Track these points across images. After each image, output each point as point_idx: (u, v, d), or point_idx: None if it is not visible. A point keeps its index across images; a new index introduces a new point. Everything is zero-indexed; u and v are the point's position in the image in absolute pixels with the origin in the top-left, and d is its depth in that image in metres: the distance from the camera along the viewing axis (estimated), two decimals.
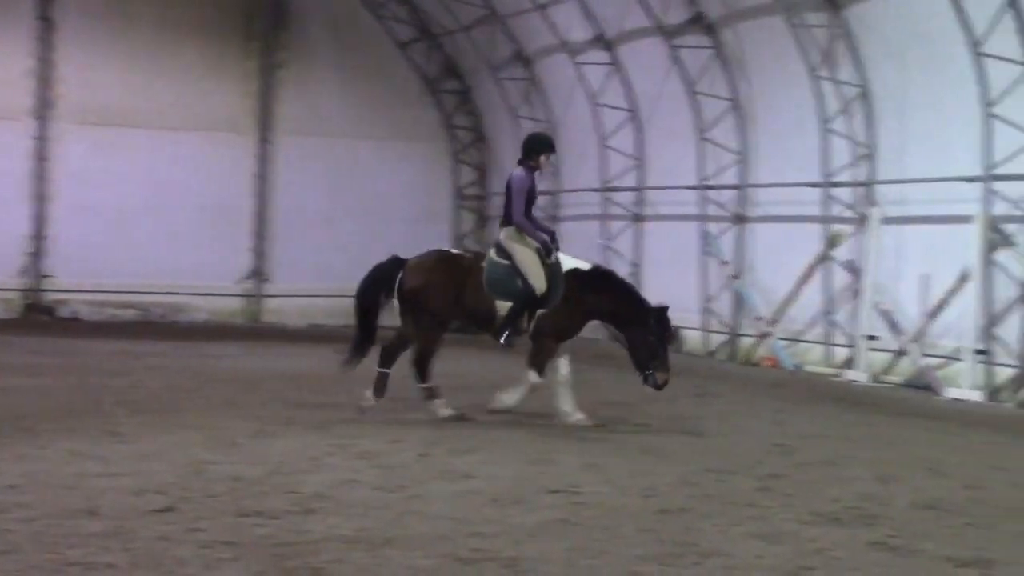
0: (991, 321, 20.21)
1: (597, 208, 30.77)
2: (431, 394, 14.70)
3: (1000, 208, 20.18)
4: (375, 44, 34.39)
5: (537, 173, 14.82)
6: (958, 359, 20.32)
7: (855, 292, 23.11)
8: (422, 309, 14.62)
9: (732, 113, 26.15)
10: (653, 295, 27.86)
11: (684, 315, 25.80)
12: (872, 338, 22.15)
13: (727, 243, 26.57)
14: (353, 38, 34.31)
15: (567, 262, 14.60)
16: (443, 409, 14.56)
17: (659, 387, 14.42)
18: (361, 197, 33.94)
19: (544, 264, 14.35)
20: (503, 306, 14.35)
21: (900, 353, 21.91)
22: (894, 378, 21.77)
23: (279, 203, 33.76)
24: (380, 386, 14.69)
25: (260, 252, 33.73)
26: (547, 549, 8.20)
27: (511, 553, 7.99)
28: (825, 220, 24.01)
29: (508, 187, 14.60)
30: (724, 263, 26.47)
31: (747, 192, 26.21)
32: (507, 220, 14.54)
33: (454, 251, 15.49)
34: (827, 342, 23.90)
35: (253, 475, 10.60)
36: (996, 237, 20.04)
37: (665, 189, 28.38)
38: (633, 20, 27.56)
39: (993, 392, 19.81)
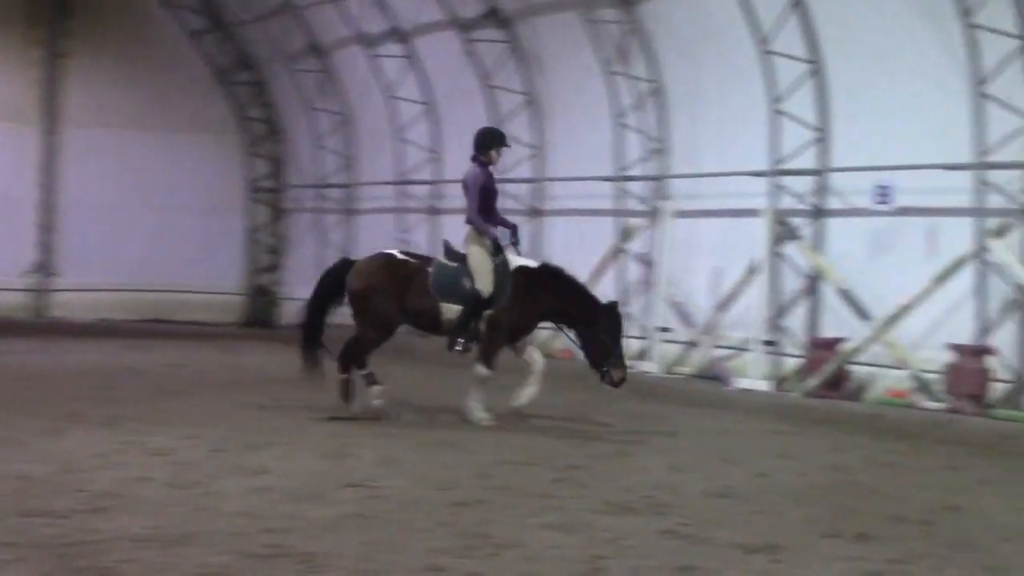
0: (778, 312, 20.75)
1: (393, 201, 30.69)
2: (371, 379, 14.60)
3: (787, 202, 20.73)
4: (165, 34, 33.72)
5: (492, 168, 14.83)
6: (747, 350, 20.79)
7: (648, 285, 23.48)
8: (365, 312, 14.57)
9: (527, 107, 26.35)
10: None
11: None
12: (665, 330, 22.52)
13: (524, 236, 26.69)
14: (142, 27, 33.53)
15: (515, 260, 14.51)
16: (379, 400, 14.50)
17: (616, 384, 14.36)
18: (152, 190, 33.26)
19: (493, 264, 14.28)
20: (449, 309, 14.26)
21: (692, 344, 22.33)
22: (686, 369, 22.18)
23: (67, 196, 32.88)
24: (346, 391, 14.60)
25: (47, 246, 32.82)
26: (343, 543, 8.14)
27: (306, 548, 7.92)
28: (619, 214, 24.32)
29: (464, 185, 14.69)
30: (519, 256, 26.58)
31: (542, 186, 26.44)
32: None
33: (400, 255, 15.11)
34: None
35: (40, 474, 10.29)
36: (783, 230, 20.56)
37: (460, 182, 28.37)
38: (428, 13, 27.59)
39: (780, 382, 20.34)
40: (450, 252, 14.53)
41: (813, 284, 20.59)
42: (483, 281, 14.16)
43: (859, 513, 10.16)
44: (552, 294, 14.45)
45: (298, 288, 33.52)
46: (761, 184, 21.02)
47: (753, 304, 20.73)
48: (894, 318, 18.47)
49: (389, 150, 30.56)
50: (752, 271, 20.70)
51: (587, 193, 24.82)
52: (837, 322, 19.88)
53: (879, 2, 19.15)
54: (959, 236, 18.07)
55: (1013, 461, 13.47)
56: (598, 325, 14.23)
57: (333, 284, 14.90)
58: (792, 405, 18.27)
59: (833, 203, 20.41)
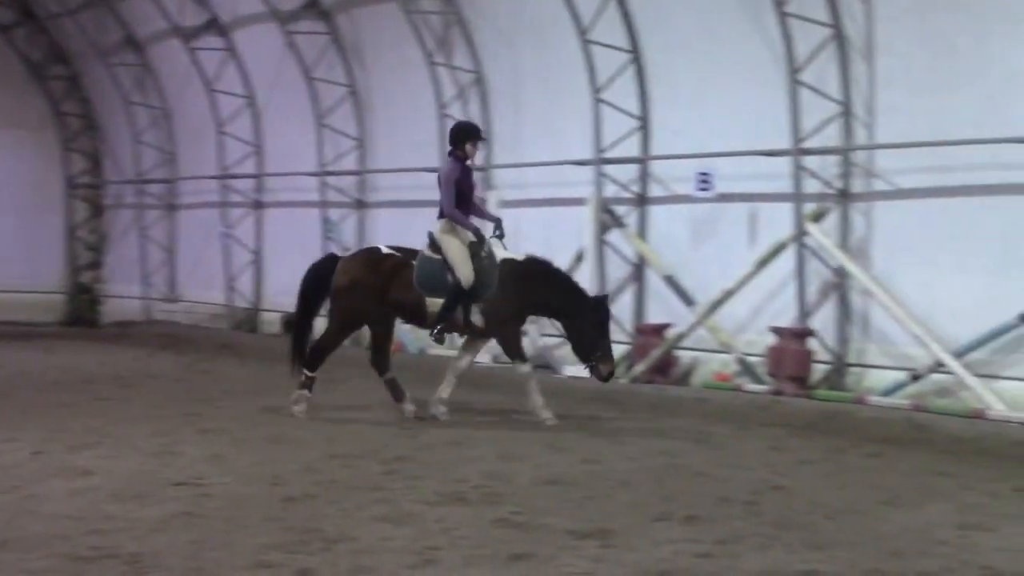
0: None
1: (216, 195, 30.32)
2: (306, 384, 14.44)
3: (610, 190, 20.92)
4: None
5: (469, 162, 14.48)
6: None
7: None
8: (344, 304, 14.44)
9: (350, 99, 26.23)
10: (275, 282, 27.97)
11: None
12: None
13: (348, 229, 26.63)
14: None
15: (500, 252, 14.22)
16: (298, 405, 14.33)
17: (604, 379, 14.21)
18: None
19: (476, 256, 14.00)
20: (433, 302, 14.03)
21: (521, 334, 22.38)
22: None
23: None
24: (397, 392, 14.77)
25: None
26: (170, 543, 8.01)
27: (133, 549, 7.77)
28: None
29: (438, 180, 14.39)
30: (346, 249, 26.47)
31: (367, 178, 26.35)
32: (441, 213, 14.25)
33: (385, 249, 14.69)
34: None
35: None
36: (607, 218, 20.74)
37: (285, 176, 28.22)
38: (247, 5, 27.31)
39: None
40: (435, 244, 14.22)
41: (638, 271, 20.83)
42: (463, 271, 13.93)
43: (687, 496, 10.27)
44: (539, 286, 14.26)
45: (120, 285, 33.06)
46: (585, 173, 21.19)
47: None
48: (718, 303, 18.77)
49: (211, 144, 30.17)
50: (578, 259, 20.84)
51: (412, 184, 24.76)
52: (662, 308, 20.15)
53: None
54: (779, 221, 18.42)
55: (834, 441, 13.73)
56: (585, 318, 14.03)
57: (320, 280, 14.71)
58: (620, 391, 18.40)
59: (656, 191, 20.68)
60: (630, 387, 19.00)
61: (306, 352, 14.63)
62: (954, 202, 16.53)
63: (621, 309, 20.85)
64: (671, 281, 19.73)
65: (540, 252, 22.02)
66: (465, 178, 14.27)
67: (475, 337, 14.53)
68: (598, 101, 20.84)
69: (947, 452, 13.05)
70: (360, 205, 26.52)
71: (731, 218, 19.33)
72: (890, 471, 11.81)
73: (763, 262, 18.34)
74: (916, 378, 16.69)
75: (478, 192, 15.94)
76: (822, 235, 17.83)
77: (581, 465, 11.67)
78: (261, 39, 27.62)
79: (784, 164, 18.25)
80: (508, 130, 23.19)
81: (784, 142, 18.14)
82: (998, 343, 15.93)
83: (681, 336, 19.37)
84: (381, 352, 14.82)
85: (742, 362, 18.57)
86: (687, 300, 19.39)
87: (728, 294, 18.63)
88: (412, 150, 24.72)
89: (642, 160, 20.72)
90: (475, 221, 14.28)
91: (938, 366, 16.38)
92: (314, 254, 26.77)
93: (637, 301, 20.88)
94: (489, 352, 22.23)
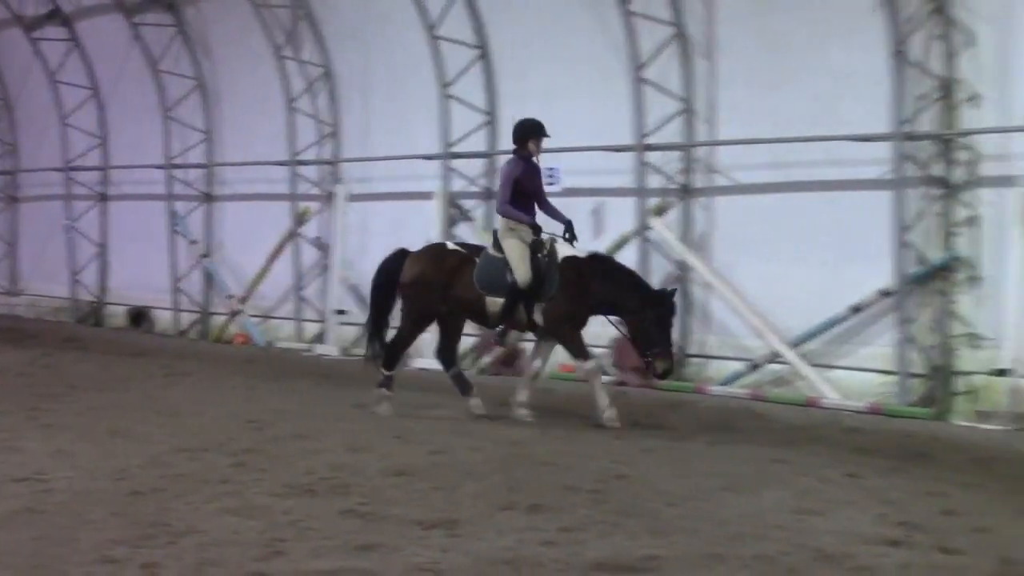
0: None
1: (60, 188, 29.78)
2: (385, 383, 14.33)
3: (458, 184, 20.97)
4: None
5: (535, 159, 14.11)
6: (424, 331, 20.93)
7: (324, 268, 23.43)
8: (411, 301, 14.16)
9: (197, 92, 25.93)
10: (121, 275, 27.57)
11: (154, 295, 25.58)
12: (341, 312, 22.52)
13: (196, 222, 26.34)
14: None
15: (563, 251, 13.66)
16: (381, 405, 14.23)
17: (660, 376, 13.65)
18: None
19: (536, 255, 13.56)
20: (493, 302, 13.63)
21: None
22: (363, 351, 22.20)
23: None
24: (464, 386, 14.46)
25: None
26: (12, 540, 7.83)
27: None
28: (293, 198, 24.21)
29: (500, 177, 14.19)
30: (193, 242, 26.23)
31: (214, 171, 26.09)
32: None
33: (451, 245, 14.46)
34: (298, 318, 24.13)
35: None
36: (455, 212, 20.79)
37: (131, 168, 27.81)
38: None
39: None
40: (498, 243, 13.79)
41: None
42: (520, 271, 13.44)
43: (532, 485, 10.31)
44: (601, 283, 13.59)
45: None
46: (433, 167, 21.21)
47: None
48: None
49: (54, 136, 29.61)
50: None
51: (261, 177, 24.61)
52: None
53: None
54: (623, 215, 18.64)
55: (675, 430, 13.91)
56: (646, 314, 13.31)
57: (390, 275, 14.45)
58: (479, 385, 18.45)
59: None
60: (477, 379, 19.04)
61: (380, 344, 14.57)
62: (791, 197, 16.87)
63: None
64: None
65: (389, 245, 22.29)
66: (528, 176, 13.89)
67: (543, 338, 14.03)
68: (446, 96, 20.87)
69: (783, 439, 13.27)
70: (208, 198, 26.25)
71: (577, 212, 19.42)
72: (729, 458, 11.96)
73: (609, 254, 18.53)
74: (754, 368, 17.01)
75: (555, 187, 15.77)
76: (665, 229, 18.08)
77: (428, 456, 11.66)
78: (106, 30, 27.20)
79: (628, 160, 18.47)
80: (356, 124, 23.15)
81: (628, 138, 18.35)
82: (831, 334, 16.30)
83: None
84: (448, 348, 14.59)
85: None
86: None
87: None
88: (261, 143, 24.57)
89: (489, 155, 20.81)
90: (544, 221, 13.98)
91: (775, 356, 16.72)
92: (160, 247, 26.64)
93: None
94: (338, 344, 22.22)
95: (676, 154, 18.19)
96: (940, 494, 10.30)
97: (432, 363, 19.92)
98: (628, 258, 18.40)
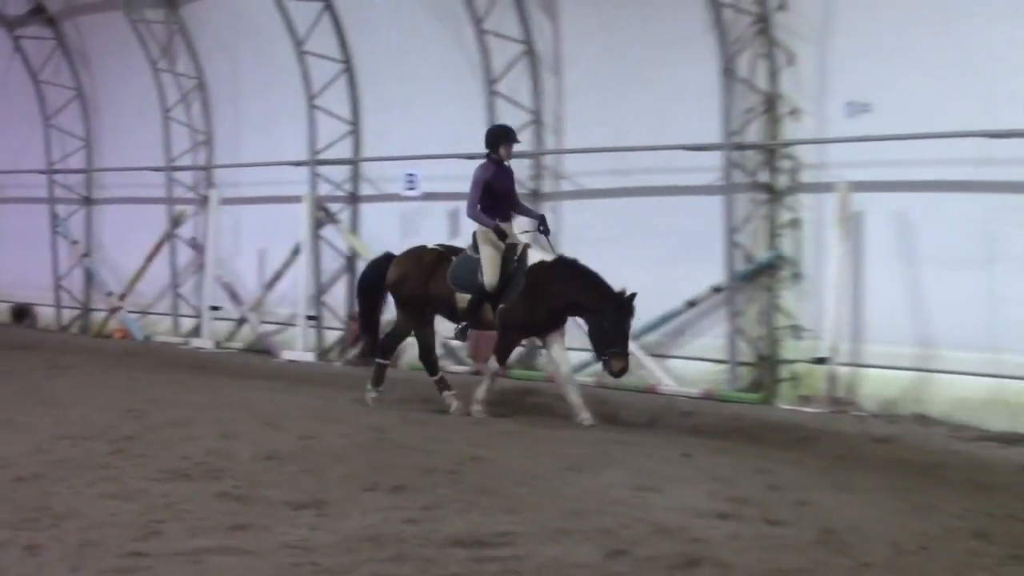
0: (320, 290, 20.85)
1: None
2: (442, 386, 13.90)
3: (324, 189, 20.84)
4: None
5: (507, 164, 13.61)
6: (292, 324, 20.80)
7: (199, 267, 23.18)
8: (398, 297, 13.83)
9: (77, 101, 25.45)
10: (5, 274, 26.92)
11: (37, 293, 25.07)
12: (216, 308, 22.30)
13: (77, 224, 25.86)
14: None
15: (533, 256, 13.24)
16: (452, 401, 13.73)
17: (615, 374, 12.98)
18: None
19: (508, 260, 13.16)
20: (462, 298, 13.28)
21: (241, 321, 22.18)
22: (236, 344, 22.00)
23: None
24: (378, 376, 14.10)
25: None
26: None
27: None
28: (169, 201, 23.91)
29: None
30: (74, 243, 25.76)
31: (94, 176, 25.63)
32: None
33: (431, 246, 14.05)
34: (174, 313, 23.85)
35: None
36: (322, 215, 20.65)
37: (13, 173, 27.16)
38: None
39: (323, 353, 20.46)
40: (475, 245, 13.44)
41: (351, 263, 20.80)
42: (488, 274, 13.08)
43: (395, 467, 10.29)
44: (565, 286, 13.07)
45: None
46: (301, 173, 21.06)
47: (297, 283, 20.76)
48: None
49: None
50: (295, 253, 20.72)
51: (138, 182, 24.24)
52: None
53: (402, 7, 19.49)
54: None
55: (528, 415, 13.94)
56: (605, 315, 12.78)
57: (375, 278, 14.15)
58: (335, 373, 18.36)
59: (367, 190, 20.70)
60: (344, 369, 18.96)
61: (373, 341, 14.36)
62: (631, 201, 17.01)
63: (335, 298, 20.85)
64: None
65: (259, 246, 22.14)
66: (499, 180, 13.42)
67: (551, 342, 13.45)
68: (312, 107, 20.72)
69: (624, 423, 13.40)
70: (88, 201, 25.80)
71: (435, 215, 19.46)
72: (575, 441, 12.01)
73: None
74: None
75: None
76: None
77: (297, 441, 11.57)
78: None
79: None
80: (228, 133, 22.92)
81: (482, 146, 18.32)
82: (668, 327, 16.47)
83: (390, 323, 19.39)
84: (395, 340, 14.48)
85: (445, 346, 18.72)
86: None
87: None
88: (138, 150, 24.23)
89: (354, 162, 20.71)
90: (521, 220, 13.84)
91: None
92: (43, 247, 26.09)
93: (350, 291, 20.83)
94: (213, 338, 21.95)
95: (526, 161, 18.23)
96: (766, 471, 10.45)
97: (302, 355, 19.90)
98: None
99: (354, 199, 20.79)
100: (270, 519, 8.28)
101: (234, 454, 10.82)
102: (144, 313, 24.41)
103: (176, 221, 23.73)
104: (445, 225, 19.29)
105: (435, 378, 14.02)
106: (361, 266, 20.36)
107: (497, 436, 12.27)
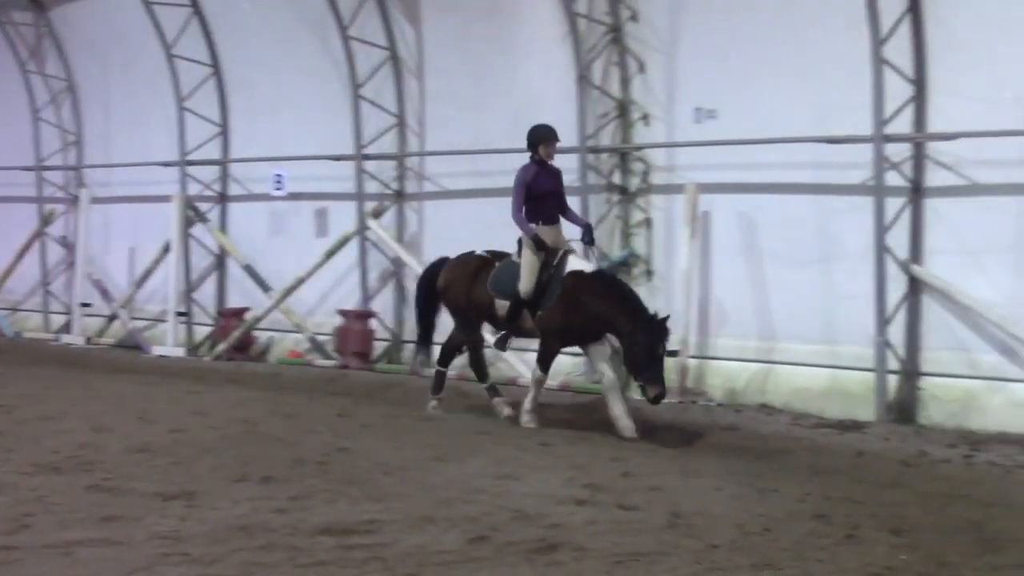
0: (190, 287, 20.53)
1: None
2: (492, 392, 13.16)
3: (194, 189, 20.53)
4: None
5: (550, 163, 12.38)
6: (163, 320, 20.44)
7: (69, 265, 22.68)
8: (448, 304, 13.07)
9: None
10: None
11: None
12: (86, 305, 21.82)
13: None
14: None
15: (571, 264, 12.05)
16: (503, 408, 12.85)
17: (651, 401, 11.62)
18: None
19: (546, 266, 12.04)
20: (502, 305, 12.34)
21: (112, 318, 21.75)
22: (107, 340, 21.56)
23: None
24: (438, 384, 13.30)
25: None
26: None
27: None
28: (40, 200, 23.36)
29: None
30: None
31: None
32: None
33: (480, 252, 13.01)
34: (45, 310, 23.33)
35: None
36: (192, 214, 20.33)
37: None
38: None
39: (192, 348, 20.15)
40: (520, 251, 12.35)
41: (220, 261, 20.55)
42: (524, 280, 12.01)
43: (264, 459, 10.17)
44: (596, 300, 11.81)
45: None
46: (171, 173, 20.72)
47: (167, 280, 20.41)
48: (291, 289, 18.71)
49: None
50: (165, 251, 20.38)
51: (9, 182, 23.66)
52: (242, 294, 19.96)
53: (270, 13, 19.28)
54: (344, 217, 18.54)
55: (392, 408, 13.88)
56: (635, 338, 11.48)
57: (428, 282, 13.38)
58: (205, 368, 18.11)
59: (235, 189, 20.44)
60: (214, 364, 18.70)
61: (428, 347, 13.66)
62: (491, 202, 16.94)
63: (205, 295, 20.58)
64: (249, 270, 19.54)
65: (130, 244, 21.72)
66: (539, 181, 12.19)
67: (593, 349, 12.49)
68: (182, 109, 20.38)
69: (486, 414, 13.34)
70: None
71: (303, 215, 19.33)
72: (439, 432, 12.00)
73: (331, 253, 18.41)
74: (462, 352, 17.08)
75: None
76: (381, 229, 18.04)
77: (168, 434, 11.37)
78: None
79: (348, 168, 18.36)
80: (98, 134, 22.49)
81: (348, 148, 18.24)
82: None
83: (259, 318, 19.21)
84: (455, 347, 13.49)
85: (313, 341, 18.58)
86: (264, 286, 19.25)
87: (300, 281, 18.61)
88: (8, 150, 23.75)
89: (222, 162, 20.43)
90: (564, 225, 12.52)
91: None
92: None
93: (219, 287, 20.61)
94: (83, 334, 21.48)
95: (391, 163, 18.17)
96: (620, 459, 10.54)
97: (173, 350, 19.57)
98: (349, 255, 18.37)
99: (223, 199, 20.51)
100: (140, 510, 8.13)
101: (105, 447, 10.60)
102: (14, 310, 23.82)
103: (46, 220, 23.19)
104: (312, 224, 19.15)
105: (485, 386, 13.29)
106: (231, 263, 20.17)
107: (362, 428, 12.20)
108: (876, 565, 7.15)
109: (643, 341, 11.42)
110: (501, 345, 12.88)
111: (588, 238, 12.35)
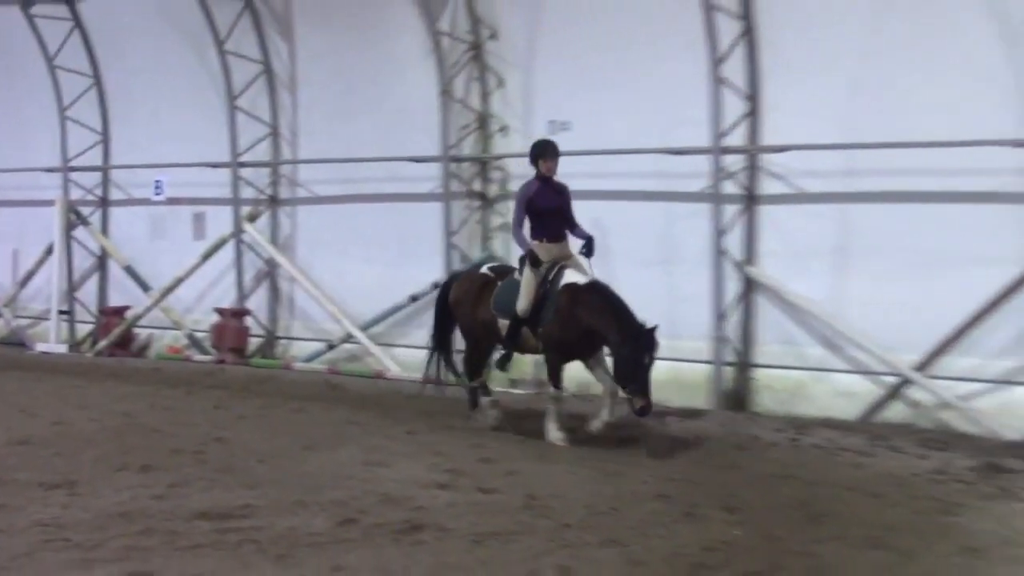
0: (72, 287, 20.11)
1: None
2: (482, 393, 12.07)
3: (76, 194, 20.10)
4: None
5: (554, 179, 11.24)
6: (46, 319, 19.98)
7: None
8: (457, 320, 12.07)
9: None
10: None
11: None
12: None
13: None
14: None
15: (567, 278, 10.92)
16: (490, 414, 11.85)
17: (637, 414, 10.38)
18: None
19: (543, 281, 10.98)
20: (503, 324, 11.32)
21: None
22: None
23: None
24: (474, 399, 12.10)
25: None
26: None
27: None
28: None
29: None
30: None
31: None
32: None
33: (485, 269, 12.04)
34: None
35: None
36: (74, 217, 19.90)
37: None
38: None
39: (74, 345, 19.73)
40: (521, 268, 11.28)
41: (102, 262, 20.15)
42: (523, 298, 10.97)
43: (144, 449, 10.04)
44: (587, 312, 10.73)
45: None
46: (54, 179, 20.26)
47: (50, 280, 19.93)
48: (170, 288, 18.42)
49: None
50: (48, 252, 19.91)
51: None
52: (123, 293, 19.59)
53: (149, 27, 18.93)
54: (221, 221, 18.33)
55: (266, 400, 13.76)
56: (622, 349, 10.42)
57: (441, 298, 12.36)
58: (86, 363, 17.74)
59: (116, 195, 20.05)
60: (95, 359, 18.33)
61: (448, 363, 12.45)
62: (361, 207, 16.98)
63: (87, 294, 20.18)
64: (130, 270, 19.18)
65: (14, 246, 21.14)
66: (541, 198, 11.07)
67: (594, 363, 11.33)
68: (64, 118, 19.94)
69: (355, 406, 13.35)
70: None
71: (181, 218, 19.06)
72: (310, 422, 11.97)
73: (208, 254, 18.17)
74: (331, 347, 17.04)
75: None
76: (256, 232, 17.87)
77: (51, 427, 11.16)
78: None
79: (225, 174, 18.15)
80: None
81: (225, 156, 18.02)
82: (394, 319, 16.49)
83: (139, 316, 18.88)
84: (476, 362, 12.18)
85: (191, 337, 18.32)
86: (144, 286, 18.91)
87: (179, 281, 18.33)
88: None
89: (104, 168, 20.03)
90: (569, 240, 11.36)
91: (348, 337, 16.79)
92: None
93: (100, 287, 20.19)
94: (0, 333, 20.89)
95: (265, 170, 18.00)
96: (480, 445, 10.61)
97: (55, 347, 19.12)
98: (226, 257, 18.17)
99: (104, 203, 20.10)
100: (23, 499, 7.99)
101: None
102: None
103: None
104: (190, 227, 18.91)
105: (474, 383, 12.19)
106: (112, 265, 19.81)
107: (238, 419, 12.12)
108: (712, 540, 7.33)
109: (627, 349, 10.37)
110: (502, 365, 11.91)
111: (587, 250, 11.08)
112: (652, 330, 10.42)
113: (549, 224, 11.15)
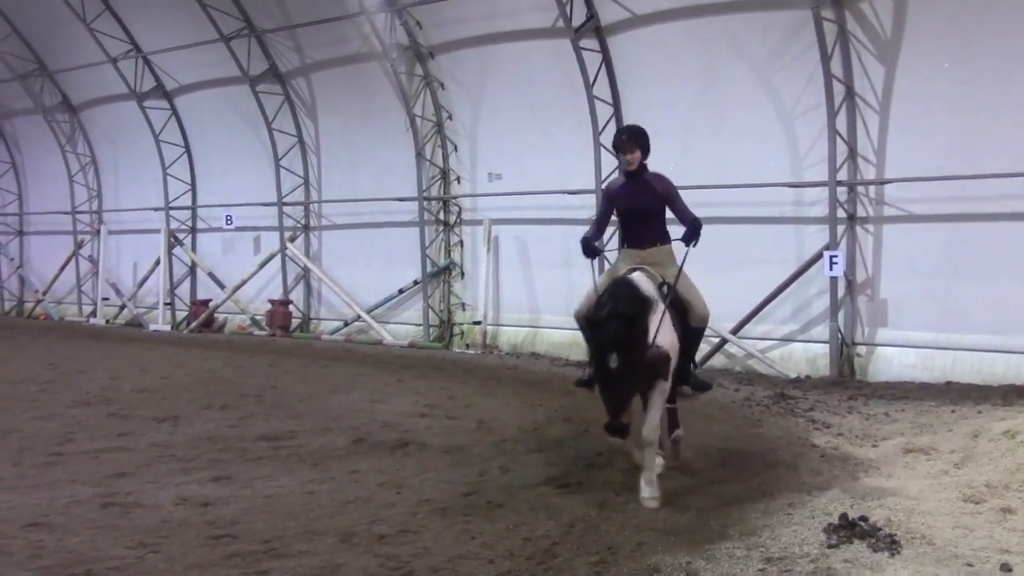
0: (172, 286, 19.79)
1: None
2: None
3: (174, 224, 19.78)
4: None
5: (645, 174, 6.44)
6: (156, 308, 19.64)
7: (95, 273, 21.57)
8: None
9: None
10: None
11: None
12: (106, 299, 20.89)
13: (14, 247, 23.53)
14: None
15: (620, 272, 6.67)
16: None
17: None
18: None
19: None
20: None
21: (122, 307, 20.79)
22: (120, 321, 20.61)
23: None
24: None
25: None
26: None
27: None
28: (74, 233, 22.12)
29: None
30: (11, 259, 23.50)
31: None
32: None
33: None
34: (79, 302, 22.11)
35: None
36: (173, 240, 19.59)
37: None
38: None
39: (175, 325, 19.42)
40: None
41: (192, 270, 19.86)
42: (584, 299, 6.67)
43: (222, 394, 10.03)
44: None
45: None
46: (160, 215, 19.94)
47: (159, 282, 19.64)
48: (238, 286, 18.24)
49: None
50: (156, 264, 19.62)
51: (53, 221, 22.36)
52: (207, 290, 19.34)
53: (222, 113, 18.59)
54: (271, 242, 18.16)
55: (303, 360, 13.70)
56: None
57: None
58: (183, 338, 17.53)
59: (201, 225, 19.80)
60: (188, 335, 18.12)
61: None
62: (363, 231, 16.83)
63: (182, 291, 19.87)
64: (211, 275, 18.98)
65: (133, 259, 20.73)
66: (621, 196, 6.41)
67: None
68: (166, 175, 19.62)
69: (363, 363, 13.37)
70: (20, 233, 23.61)
71: (244, 240, 18.85)
72: (333, 374, 11.97)
73: (262, 264, 18.02)
74: (346, 324, 16.96)
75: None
76: (295, 249, 17.74)
77: (160, 380, 11.00)
78: None
79: (273, 210, 17.97)
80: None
81: (273, 198, 17.84)
82: (389, 304, 16.45)
83: (217, 306, 18.66)
84: None
85: (252, 319, 18.15)
86: (221, 285, 18.72)
87: (243, 282, 18.13)
88: None
89: (193, 208, 19.73)
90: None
91: (357, 317, 16.73)
92: None
93: (191, 286, 19.90)
94: (104, 317, 20.48)
95: (300, 207, 17.79)
96: (447, 388, 10.70)
97: (162, 327, 18.79)
98: (275, 265, 17.96)
99: (193, 230, 19.78)
100: (143, 428, 7.99)
101: (119, 389, 10.34)
102: (59, 303, 22.55)
103: (80, 244, 22.02)
104: (250, 246, 18.69)
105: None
106: (199, 272, 19.48)
107: (284, 373, 12.09)
108: (601, 447, 7.11)
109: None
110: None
111: (687, 237, 6.15)
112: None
113: (629, 227, 6.53)
